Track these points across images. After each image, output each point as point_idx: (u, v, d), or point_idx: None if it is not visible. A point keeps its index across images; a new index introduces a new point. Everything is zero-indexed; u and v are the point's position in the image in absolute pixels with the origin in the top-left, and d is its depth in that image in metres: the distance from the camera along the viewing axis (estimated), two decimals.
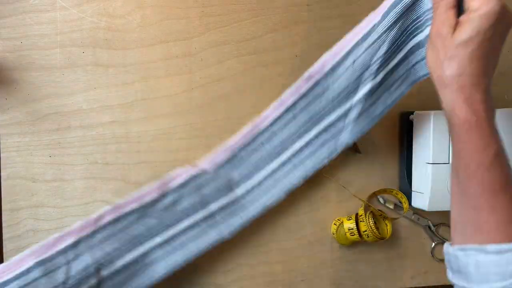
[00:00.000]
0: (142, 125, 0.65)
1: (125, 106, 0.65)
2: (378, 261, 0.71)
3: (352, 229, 0.66)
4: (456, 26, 0.41)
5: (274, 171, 0.61)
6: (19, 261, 0.54)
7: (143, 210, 0.57)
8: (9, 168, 0.63)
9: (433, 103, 0.72)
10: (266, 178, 0.61)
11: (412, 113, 0.69)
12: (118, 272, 0.56)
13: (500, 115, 0.59)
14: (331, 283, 0.70)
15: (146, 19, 0.65)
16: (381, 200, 0.71)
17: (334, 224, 0.69)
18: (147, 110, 0.65)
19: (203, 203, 0.59)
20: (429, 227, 0.72)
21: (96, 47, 0.64)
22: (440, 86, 0.42)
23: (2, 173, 0.63)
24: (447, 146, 0.64)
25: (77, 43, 0.64)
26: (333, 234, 0.69)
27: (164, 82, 0.66)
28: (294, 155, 0.61)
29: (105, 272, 0.55)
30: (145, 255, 0.57)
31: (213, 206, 0.60)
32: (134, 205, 0.57)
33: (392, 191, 0.70)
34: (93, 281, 0.54)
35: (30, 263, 0.54)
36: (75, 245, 0.55)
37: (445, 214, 0.72)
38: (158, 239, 0.58)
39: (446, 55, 0.40)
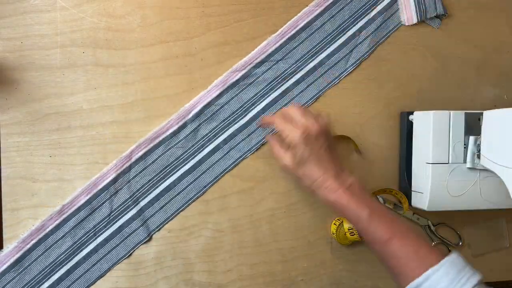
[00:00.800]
0: (142, 125, 0.65)
1: (125, 106, 0.65)
2: (378, 261, 0.71)
3: (352, 229, 0.66)
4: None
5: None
6: (73, 200, 0.62)
7: (168, 142, 0.64)
8: (9, 168, 0.63)
9: (433, 103, 0.73)
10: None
11: (412, 113, 0.69)
12: (154, 199, 0.64)
13: (500, 115, 0.59)
14: (331, 283, 0.70)
15: (146, 19, 0.65)
16: (381, 200, 0.71)
17: (334, 224, 0.69)
18: (147, 110, 0.66)
19: (222, 127, 0.65)
20: (429, 227, 0.72)
21: (96, 47, 0.64)
22: (313, 192, 0.56)
23: (2, 173, 0.63)
24: (447, 146, 0.64)
25: (77, 43, 0.64)
26: (333, 234, 0.69)
27: (164, 82, 0.66)
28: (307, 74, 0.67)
29: (143, 202, 0.63)
30: (177, 181, 0.64)
31: (231, 129, 0.65)
32: (160, 138, 0.64)
33: (392, 191, 0.70)
34: (133, 211, 0.63)
35: (82, 201, 0.63)
36: (115, 180, 0.63)
37: (445, 214, 0.72)
38: (186, 166, 0.64)
39: (296, 174, 0.55)
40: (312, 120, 0.54)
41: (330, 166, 0.54)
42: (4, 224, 0.63)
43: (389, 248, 0.51)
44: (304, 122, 0.54)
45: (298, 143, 0.53)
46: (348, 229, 0.66)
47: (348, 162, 0.70)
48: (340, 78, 0.69)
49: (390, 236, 0.51)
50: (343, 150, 0.70)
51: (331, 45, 0.66)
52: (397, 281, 0.51)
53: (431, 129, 0.64)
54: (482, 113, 0.63)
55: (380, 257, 0.53)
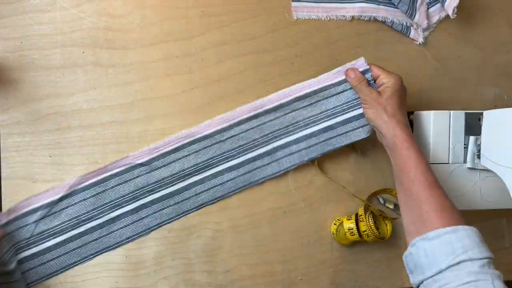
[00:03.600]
0: (142, 125, 0.65)
1: (125, 106, 0.65)
2: (378, 261, 0.71)
3: (352, 229, 0.66)
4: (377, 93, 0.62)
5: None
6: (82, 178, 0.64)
7: (214, 138, 0.66)
8: (9, 168, 0.63)
9: (433, 103, 0.73)
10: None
11: (412, 113, 0.69)
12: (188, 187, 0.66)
13: (500, 115, 0.59)
14: (331, 283, 0.70)
15: (146, 19, 0.65)
16: (381, 200, 0.71)
17: (334, 224, 0.69)
18: (147, 110, 0.66)
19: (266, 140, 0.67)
20: None
21: (96, 47, 0.64)
22: (382, 126, 0.60)
23: (2, 173, 0.63)
24: (447, 146, 0.64)
25: (77, 43, 0.64)
26: (333, 234, 0.69)
27: (164, 82, 0.66)
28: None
29: (174, 187, 0.66)
30: (218, 173, 0.66)
31: (275, 143, 0.67)
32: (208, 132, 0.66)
33: (392, 191, 0.70)
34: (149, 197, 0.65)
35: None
36: (127, 170, 0.64)
37: None
38: (230, 163, 0.67)
39: (381, 106, 0.60)
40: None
41: (406, 114, 0.62)
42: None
43: (431, 192, 0.53)
44: (396, 75, 0.61)
45: (399, 87, 0.60)
46: (348, 229, 0.66)
47: (348, 162, 0.70)
48: None
49: (434, 182, 0.54)
50: (342, 149, 0.70)
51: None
52: (417, 226, 0.52)
53: (431, 129, 0.64)
54: (482, 113, 0.63)
55: (412, 198, 0.54)
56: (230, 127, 0.66)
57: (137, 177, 0.64)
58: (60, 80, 0.64)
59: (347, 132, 0.66)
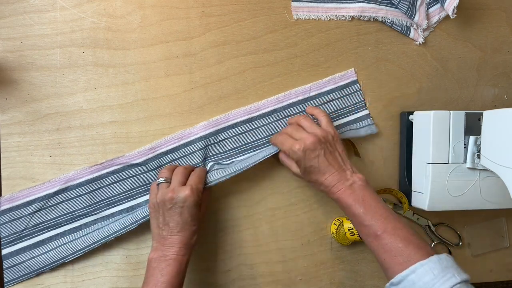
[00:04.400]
0: (142, 125, 0.65)
1: (125, 106, 0.65)
2: (374, 257, 0.71)
3: (352, 229, 0.66)
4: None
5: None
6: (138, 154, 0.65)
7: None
8: (9, 168, 0.63)
9: (433, 103, 0.73)
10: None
11: (412, 113, 0.69)
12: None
13: (500, 115, 0.59)
14: (331, 282, 0.70)
15: (146, 19, 0.65)
16: None
17: (334, 224, 0.69)
18: (147, 110, 0.66)
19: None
20: (429, 227, 0.72)
21: (96, 47, 0.64)
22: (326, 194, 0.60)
23: (2, 173, 0.63)
24: (447, 146, 0.64)
25: (77, 43, 0.64)
26: (333, 234, 0.69)
27: (164, 82, 0.66)
28: None
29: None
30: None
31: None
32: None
33: (392, 191, 0.70)
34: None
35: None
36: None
37: (445, 214, 0.72)
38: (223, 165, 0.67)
39: (309, 181, 0.60)
40: (307, 133, 0.59)
41: (331, 170, 0.58)
42: None
43: (381, 242, 0.53)
44: (301, 136, 0.59)
45: (299, 157, 0.58)
46: (348, 229, 0.66)
47: None
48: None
49: (382, 231, 0.53)
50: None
51: None
52: (387, 274, 0.54)
53: (431, 129, 0.64)
54: (482, 113, 0.63)
55: (374, 252, 0.55)
56: (224, 129, 0.66)
57: (134, 176, 0.65)
58: (60, 80, 0.64)
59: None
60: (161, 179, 0.60)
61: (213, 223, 0.67)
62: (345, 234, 0.67)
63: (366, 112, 0.70)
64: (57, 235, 0.63)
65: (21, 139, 0.63)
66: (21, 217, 0.62)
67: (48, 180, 0.63)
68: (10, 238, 0.62)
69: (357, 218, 0.56)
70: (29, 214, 0.62)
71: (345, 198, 0.56)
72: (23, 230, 0.62)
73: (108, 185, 0.64)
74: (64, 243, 0.63)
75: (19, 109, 0.63)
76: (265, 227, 0.68)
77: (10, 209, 0.62)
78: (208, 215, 0.67)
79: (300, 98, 0.68)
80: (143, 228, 0.65)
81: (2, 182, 0.63)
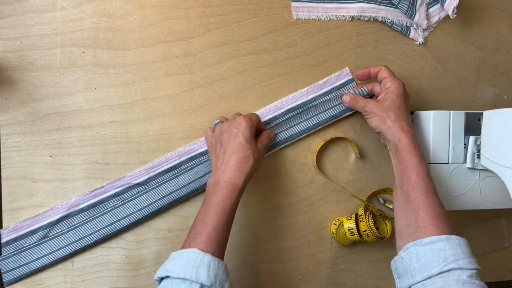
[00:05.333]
0: (142, 125, 0.65)
1: (125, 106, 0.65)
2: (378, 261, 0.71)
3: (352, 229, 0.66)
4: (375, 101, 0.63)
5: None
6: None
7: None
8: (9, 168, 0.63)
9: (433, 103, 0.73)
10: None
11: (412, 113, 0.69)
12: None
13: (500, 115, 0.59)
14: (331, 282, 0.70)
15: (146, 19, 0.65)
16: (381, 200, 0.71)
17: (334, 224, 0.69)
18: (147, 110, 0.66)
19: None
20: None
21: (97, 47, 0.64)
22: (386, 132, 0.60)
23: (2, 173, 0.63)
24: (447, 146, 0.64)
25: (77, 43, 0.64)
26: (333, 234, 0.69)
27: (164, 82, 0.66)
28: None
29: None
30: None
31: None
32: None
33: (392, 191, 0.70)
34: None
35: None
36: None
37: None
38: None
39: (384, 112, 0.61)
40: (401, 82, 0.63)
41: (409, 118, 0.62)
42: (4, 224, 0.63)
43: (430, 200, 0.54)
44: (400, 81, 0.63)
45: (400, 93, 0.61)
46: (348, 229, 0.66)
47: (348, 163, 0.70)
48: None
49: (434, 192, 0.55)
50: (341, 151, 0.70)
51: None
52: (410, 230, 0.54)
53: (431, 129, 0.64)
54: (482, 113, 0.63)
55: (411, 204, 0.55)
56: None
57: (136, 197, 0.65)
58: (60, 80, 0.64)
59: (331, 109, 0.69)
60: (216, 121, 0.64)
61: None
62: (345, 234, 0.67)
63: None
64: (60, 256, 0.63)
65: (21, 139, 0.63)
66: (28, 247, 0.62)
67: (51, 208, 0.63)
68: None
69: (421, 168, 0.56)
70: (33, 243, 0.62)
71: (416, 143, 0.58)
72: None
73: (110, 210, 0.64)
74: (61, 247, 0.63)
75: (19, 109, 0.63)
76: (265, 227, 0.68)
77: (15, 239, 0.62)
78: None
79: (299, 102, 0.68)
80: (143, 228, 0.65)
81: (2, 182, 0.63)
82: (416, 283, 0.50)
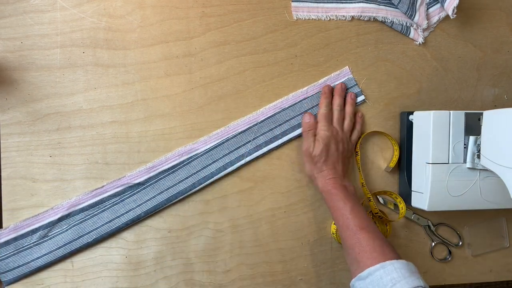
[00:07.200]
0: (142, 125, 0.65)
1: (125, 106, 0.65)
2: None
3: None
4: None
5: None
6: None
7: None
8: (9, 168, 0.63)
9: (433, 103, 0.73)
10: None
11: (412, 113, 0.69)
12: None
13: (500, 115, 0.59)
14: (330, 282, 0.70)
15: (146, 19, 0.65)
16: (382, 201, 0.71)
17: (334, 224, 0.69)
18: (147, 110, 0.66)
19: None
20: (429, 227, 0.72)
21: (97, 47, 0.64)
22: (315, 180, 0.66)
23: (2, 173, 0.63)
24: (447, 146, 0.64)
25: (77, 43, 0.64)
26: (333, 234, 0.69)
27: (164, 82, 0.66)
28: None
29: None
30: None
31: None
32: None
33: (392, 194, 0.70)
34: None
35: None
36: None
37: (445, 214, 0.72)
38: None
39: (313, 161, 0.65)
40: (341, 129, 0.67)
41: (339, 168, 0.66)
42: (4, 224, 0.63)
43: (359, 236, 0.57)
44: (336, 128, 0.66)
45: (327, 143, 0.65)
46: None
47: (348, 163, 0.70)
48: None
49: (363, 227, 0.58)
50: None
51: None
52: (354, 267, 0.57)
53: (431, 129, 0.64)
54: (482, 113, 0.63)
55: (347, 243, 0.59)
56: (223, 142, 0.67)
57: (135, 194, 0.65)
58: (60, 80, 0.64)
59: None
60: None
61: (213, 223, 0.67)
62: None
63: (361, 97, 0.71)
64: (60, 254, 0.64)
65: (21, 139, 0.63)
66: (28, 247, 0.62)
67: (51, 208, 0.63)
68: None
69: (343, 210, 0.61)
70: (34, 243, 0.62)
71: (337, 190, 0.63)
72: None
73: (109, 207, 0.64)
74: (60, 246, 0.63)
75: (19, 109, 0.63)
76: (265, 227, 0.68)
77: (15, 239, 0.62)
78: (208, 216, 0.67)
79: (296, 101, 0.69)
80: (143, 228, 0.65)
81: (2, 182, 0.63)
82: None
